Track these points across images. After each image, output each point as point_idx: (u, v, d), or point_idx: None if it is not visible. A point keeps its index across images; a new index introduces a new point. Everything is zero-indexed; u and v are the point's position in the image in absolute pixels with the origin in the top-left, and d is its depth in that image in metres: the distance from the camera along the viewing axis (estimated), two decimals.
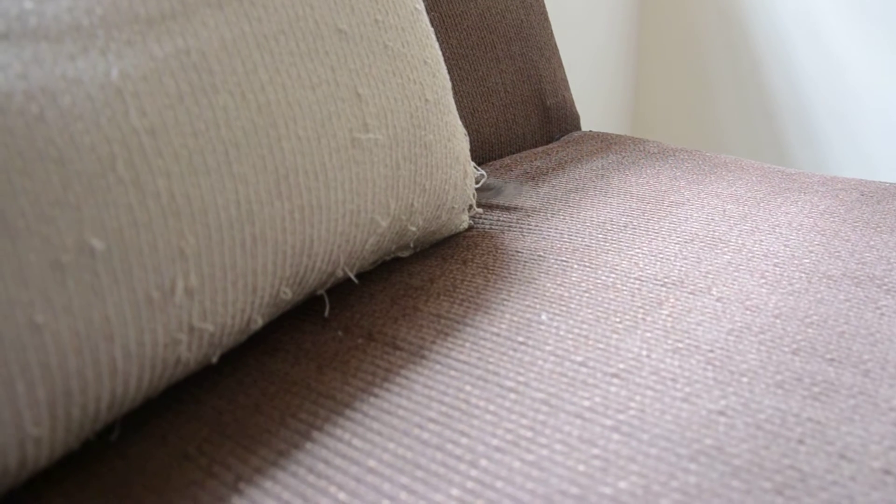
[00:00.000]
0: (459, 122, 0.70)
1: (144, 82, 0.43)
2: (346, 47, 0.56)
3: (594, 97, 1.99)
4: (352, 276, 0.59)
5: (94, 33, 0.42)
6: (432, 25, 1.03)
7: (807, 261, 0.66)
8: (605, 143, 1.14)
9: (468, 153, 0.71)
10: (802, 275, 0.63)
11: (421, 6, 0.67)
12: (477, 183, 0.81)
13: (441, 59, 0.68)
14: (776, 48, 1.88)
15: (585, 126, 1.91)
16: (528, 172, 0.96)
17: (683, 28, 2.03)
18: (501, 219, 0.79)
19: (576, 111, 1.29)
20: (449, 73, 1.03)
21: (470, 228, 0.77)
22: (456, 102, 1.04)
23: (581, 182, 0.92)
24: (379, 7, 0.60)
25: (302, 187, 0.50)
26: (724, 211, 0.80)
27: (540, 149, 1.10)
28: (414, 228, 0.64)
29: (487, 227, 0.77)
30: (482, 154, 1.07)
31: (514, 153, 1.12)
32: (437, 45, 0.68)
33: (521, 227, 0.76)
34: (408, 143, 0.60)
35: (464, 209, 0.72)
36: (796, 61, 1.86)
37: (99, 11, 0.43)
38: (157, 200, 0.42)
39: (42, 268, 0.37)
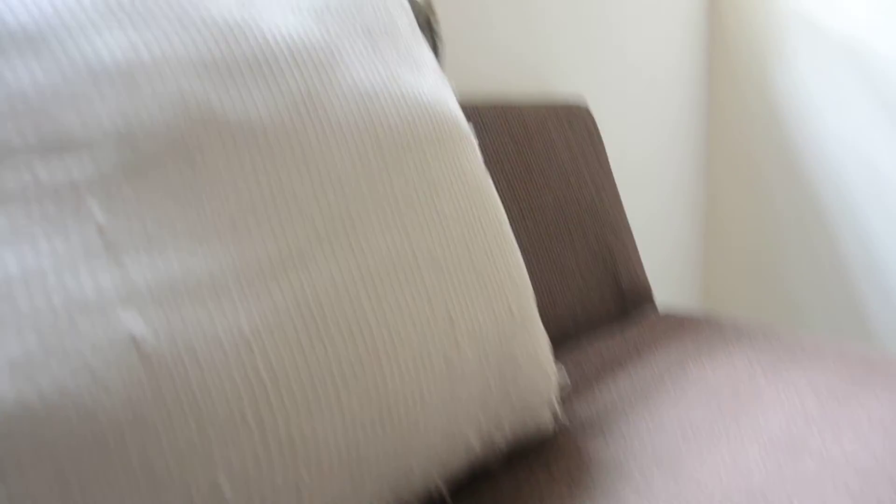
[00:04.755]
0: (542, 328, 0.74)
1: (269, 333, 0.48)
2: (440, 275, 0.61)
3: (663, 266, 2.02)
4: (446, 495, 0.62)
5: (227, 287, 0.48)
6: (510, 215, 1.09)
7: (893, 470, 0.67)
8: (679, 324, 1.17)
9: (551, 358, 0.75)
10: (890, 486, 0.64)
11: (503, 216, 0.73)
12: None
13: (523, 266, 0.73)
14: (848, 212, 1.90)
15: (657, 294, 1.93)
16: (604, 360, 0.99)
17: (751, 194, 2.08)
18: (583, 418, 0.81)
19: (649, 288, 1.32)
20: (526, 257, 1.08)
21: (554, 432, 0.79)
22: (533, 286, 1.09)
23: (658, 372, 0.94)
24: (468, 229, 0.66)
25: (402, 415, 0.55)
26: (804, 407, 0.81)
27: (616, 331, 1.14)
28: (502, 441, 0.67)
29: (570, 428, 0.80)
30: (559, 336, 1.10)
31: (589, 333, 1.16)
32: (518, 253, 0.73)
33: (602, 430, 0.78)
34: (497, 360, 0.64)
35: (548, 414, 0.75)
36: (870, 225, 1.88)
37: (230, 266, 0.49)
38: (277, 441, 0.47)
39: None
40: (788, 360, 0.97)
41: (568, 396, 0.88)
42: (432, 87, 0.67)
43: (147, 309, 0.44)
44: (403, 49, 0.67)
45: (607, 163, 1.33)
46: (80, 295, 0.42)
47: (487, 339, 0.64)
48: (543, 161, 1.17)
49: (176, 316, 0.45)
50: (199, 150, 0.48)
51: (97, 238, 0.43)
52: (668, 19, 1.89)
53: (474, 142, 0.70)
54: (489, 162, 1.08)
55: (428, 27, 0.81)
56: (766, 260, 2.08)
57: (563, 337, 1.11)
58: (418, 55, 0.69)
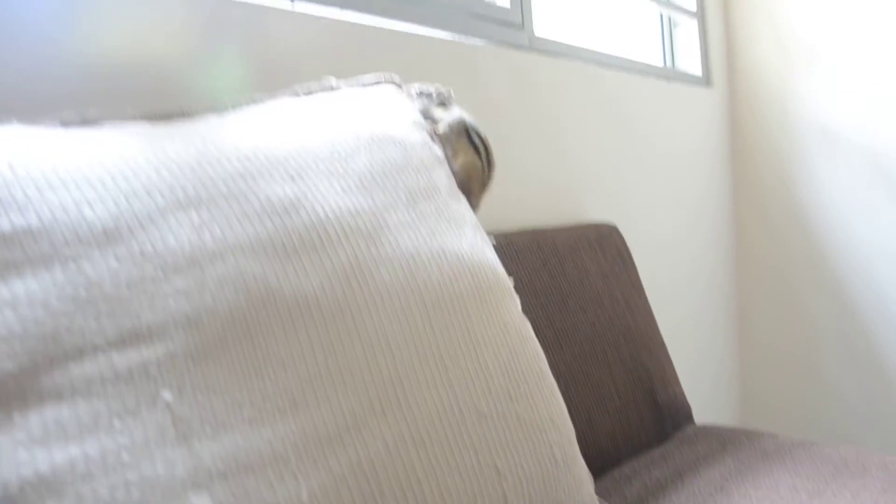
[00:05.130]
0: (584, 467, 0.76)
1: (326, 500, 0.51)
2: (485, 427, 0.64)
3: (700, 379, 2.01)
4: None
5: (287, 458, 0.51)
6: (546, 342, 1.11)
7: None
8: (719, 441, 1.17)
9: (594, 496, 0.76)
10: None
11: (543, 360, 0.75)
12: None
13: (564, 408, 0.75)
14: (885, 312, 1.90)
15: (696, 412, 1.92)
16: (647, 486, 1.00)
17: (784, 303, 2.08)
18: None
19: (687, 403, 1.33)
20: (564, 382, 1.10)
21: None
22: (572, 410, 1.10)
23: (701, 498, 0.94)
24: (511, 380, 0.68)
25: None
26: None
27: (656, 452, 1.14)
28: None
29: None
30: (599, 460, 1.11)
31: (630, 454, 1.16)
32: (559, 395, 0.75)
33: None
34: None
35: None
36: None
37: (290, 439, 0.52)
38: None
39: None
40: (833, 480, 0.97)
41: None
42: (471, 242, 0.71)
43: (214, 486, 0.47)
44: (443, 207, 0.71)
45: (639, 282, 1.36)
46: (154, 477, 0.45)
47: (533, 486, 0.66)
48: (577, 286, 1.20)
49: (240, 490, 0.48)
50: (260, 329, 0.52)
51: (170, 425, 0.46)
52: (692, 142, 1.95)
53: (513, 291, 0.74)
54: (524, 292, 1.12)
55: (469, 139, 0.85)
56: (803, 367, 2.07)
57: (604, 460, 1.11)
58: (456, 211, 0.73)
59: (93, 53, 0.79)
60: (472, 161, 0.81)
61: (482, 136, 0.83)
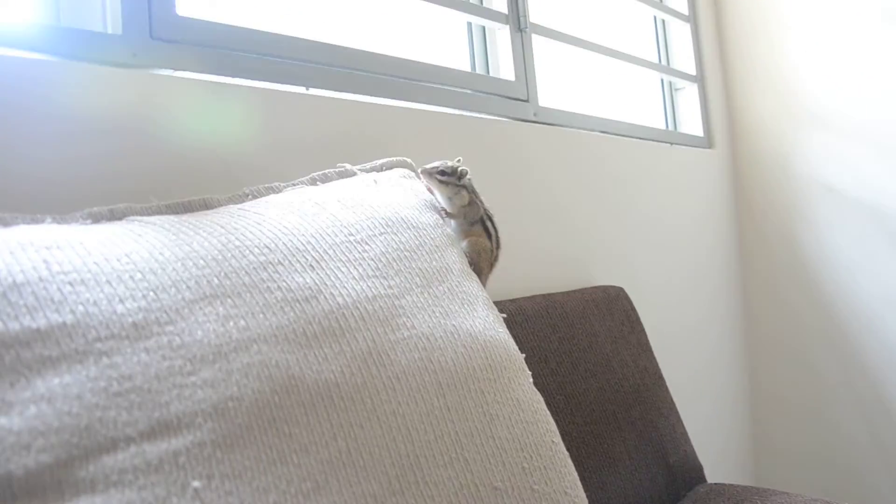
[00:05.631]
0: None
1: None
2: (501, 502, 0.65)
3: (711, 437, 2.00)
4: None
5: None
6: (557, 407, 1.13)
7: None
8: (731, 501, 1.18)
9: None
10: None
11: (555, 433, 0.77)
12: None
13: (577, 479, 0.77)
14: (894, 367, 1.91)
15: (708, 468, 1.92)
16: None
17: (794, 358, 2.09)
18: None
19: (698, 463, 1.33)
20: (576, 450, 1.11)
21: None
22: (584, 480, 1.11)
23: None
24: (525, 454, 0.70)
25: None
26: None
27: None
28: None
29: None
30: None
31: None
32: (571, 466, 0.77)
33: None
34: None
35: None
36: None
37: None
38: None
39: None
40: None
41: None
42: (483, 319, 0.74)
43: None
44: (455, 287, 0.74)
45: (647, 343, 1.38)
46: None
47: None
48: (586, 350, 1.22)
49: None
50: (283, 416, 0.55)
51: None
52: (696, 202, 1.98)
53: (525, 365, 0.76)
54: (535, 358, 1.13)
55: (483, 225, 0.88)
56: (814, 420, 2.07)
57: None
58: (468, 289, 0.76)
59: (112, 143, 0.82)
60: (483, 243, 0.84)
61: (494, 222, 0.87)
